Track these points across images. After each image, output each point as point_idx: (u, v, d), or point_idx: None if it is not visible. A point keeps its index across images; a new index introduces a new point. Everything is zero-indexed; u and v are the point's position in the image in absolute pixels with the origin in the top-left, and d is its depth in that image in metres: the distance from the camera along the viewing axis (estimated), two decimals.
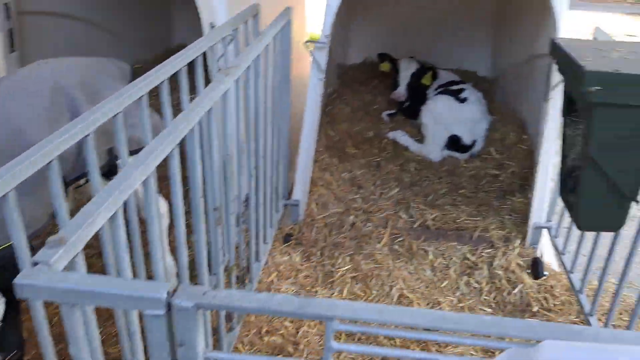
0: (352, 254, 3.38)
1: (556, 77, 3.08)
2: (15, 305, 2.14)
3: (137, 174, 1.30)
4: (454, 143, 4.49)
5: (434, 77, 5.19)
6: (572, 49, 2.31)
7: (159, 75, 1.88)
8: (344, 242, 3.46)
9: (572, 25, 3.34)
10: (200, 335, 0.96)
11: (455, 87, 4.86)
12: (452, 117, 4.53)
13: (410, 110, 5.13)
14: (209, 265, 2.33)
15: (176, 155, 1.58)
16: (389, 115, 5.18)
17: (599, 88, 2.07)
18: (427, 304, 3.09)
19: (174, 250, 2.06)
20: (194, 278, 2.29)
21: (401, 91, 5.18)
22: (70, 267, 1.04)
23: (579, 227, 2.57)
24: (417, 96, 5.13)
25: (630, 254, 2.44)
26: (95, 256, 3.12)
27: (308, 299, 0.92)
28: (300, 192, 3.62)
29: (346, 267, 3.29)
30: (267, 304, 0.91)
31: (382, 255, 3.38)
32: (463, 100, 4.64)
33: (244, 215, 2.63)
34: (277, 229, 3.51)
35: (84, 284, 0.92)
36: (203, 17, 2.97)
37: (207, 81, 2.70)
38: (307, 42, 3.22)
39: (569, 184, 2.63)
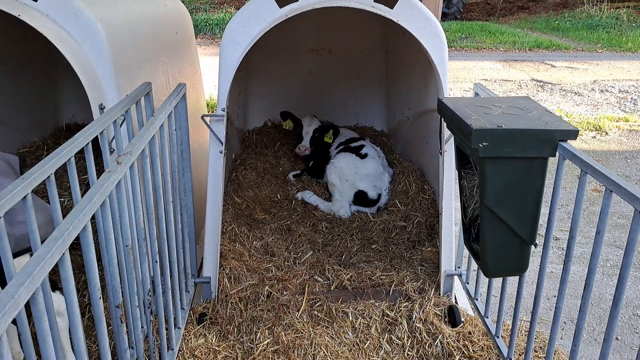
0: (271, 327, 3.26)
1: (447, 131, 3.26)
2: None
3: (22, 292, 1.16)
4: (361, 198, 4.59)
5: (335, 134, 5.36)
6: (457, 108, 2.47)
7: (45, 169, 1.74)
8: (262, 315, 3.34)
9: (453, 73, 3.59)
10: None
11: (355, 144, 5.02)
12: (355, 173, 4.65)
13: (315, 170, 5.21)
14: None
15: (67, 259, 1.44)
16: (295, 176, 5.22)
17: (486, 144, 2.21)
18: None
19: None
20: None
21: (306, 145, 5.34)
22: None
23: (486, 274, 2.67)
24: (321, 155, 5.25)
25: (537, 291, 2.55)
26: None
27: None
28: (210, 268, 3.47)
29: (266, 342, 3.16)
30: None
31: (302, 324, 3.30)
32: (364, 156, 4.80)
33: (150, 303, 2.46)
34: (189, 310, 3.32)
35: None
36: (92, 99, 2.84)
37: (100, 164, 2.56)
38: (203, 116, 3.18)
39: (472, 233, 2.75)
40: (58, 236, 1.39)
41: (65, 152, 1.94)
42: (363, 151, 4.84)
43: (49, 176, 1.83)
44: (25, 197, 1.68)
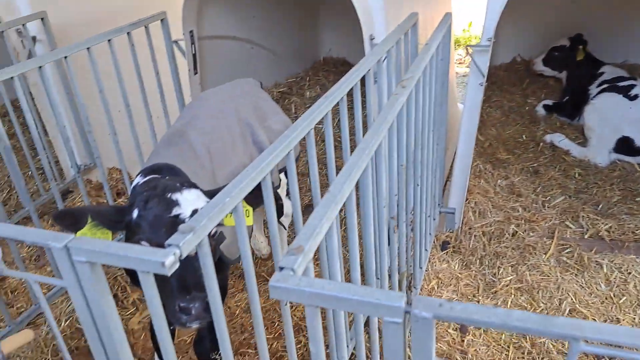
0: (515, 265, 3.25)
1: None
2: None
3: (345, 188, 1.39)
4: (625, 146, 4.12)
5: (591, 59, 4.95)
6: None
7: (327, 104, 1.95)
8: (506, 252, 3.34)
9: None
10: (433, 343, 1.00)
11: (623, 84, 4.46)
12: (621, 117, 4.18)
13: (568, 108, 4.83)
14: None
15: (370, 169, 1.65)
16: (545, 107, 4.94)
17: None
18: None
19: None
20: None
21: (536, 61, 5.33)
22: (305, 272, 1.14)
23: None
24: (578, 92, 4.82)
25: None
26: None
27: (550, 318, 0.91)
28: (456, 200, 3.56)
29: (509, 278, 3.17)
30: (507, 319, 0.92)
31: (548, 267, 3.21)
32: (634, 98, 4.25)
33: (411, 222, 2.66)
34: (433, 236, 3.49)
35: (329, 290, 1.00)
36: (364, 31, 3.06)
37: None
38: (467, 46, 3.17)
39: None
40: (364, 147, 1.60)
41: (350, 80, 2.16)
42: (633, 92, 4.28)
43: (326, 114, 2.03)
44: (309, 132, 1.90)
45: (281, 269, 1.08)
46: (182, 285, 1.70)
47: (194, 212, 1.77)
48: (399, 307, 0.97)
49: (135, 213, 1.80)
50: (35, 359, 2.91)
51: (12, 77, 2.63)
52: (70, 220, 1.77)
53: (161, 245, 1.64)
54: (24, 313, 3.10)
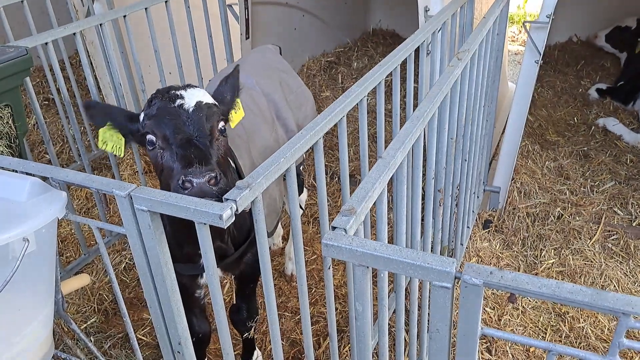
0: (558, 248, 3.20)
1: None
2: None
3: (398, 155, 1.40)
4: None
5: None
6: None
7: (381, 73, 1.93)
8: (549, 235, 3.29)
9: None
10: (481, 311, 1.01)
11: None
12: None
13: (622, 92, 4.64)
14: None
15: (421, 138, 1.65)
16: (599, 91, 4.75)
17: None
18: None
19: None
20: None
21: (599, 34, 5.09)
22: (357, 233, 1.16)
23: None
24: (634, 76, 4.62)
25: None
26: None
27: (602, 292, 0.91)
28: (502, 179, 3.50)
29: (551, 261, 3.13)
30: (557, 291, 0.93)
31: (592, 253, 3.15)
32: None
33: (456, 198, 2.65)
34: (476, 214, 3.46)
35: (381, 251, 1.02)
36: (419, 2, 3.01)
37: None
38: (525, 22, 3.07)
39: None
40: (419, 115, 1.60)
41: (403, 51, 2.14)
42: None
43: (379, 82, 2.01)
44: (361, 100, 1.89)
45: (333, 228, 1.11)
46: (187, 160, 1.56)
47: (198, 103, 1.70)
48: (450, 272, 0.99)
49: (142, 115, 1.76)
50: (82, 305, 3.07)
51: (74, 34, 2.72)
52: (100, 113, 1.77)
53: (165, 137, 1.62)
54: (73, 262, 3.25)
